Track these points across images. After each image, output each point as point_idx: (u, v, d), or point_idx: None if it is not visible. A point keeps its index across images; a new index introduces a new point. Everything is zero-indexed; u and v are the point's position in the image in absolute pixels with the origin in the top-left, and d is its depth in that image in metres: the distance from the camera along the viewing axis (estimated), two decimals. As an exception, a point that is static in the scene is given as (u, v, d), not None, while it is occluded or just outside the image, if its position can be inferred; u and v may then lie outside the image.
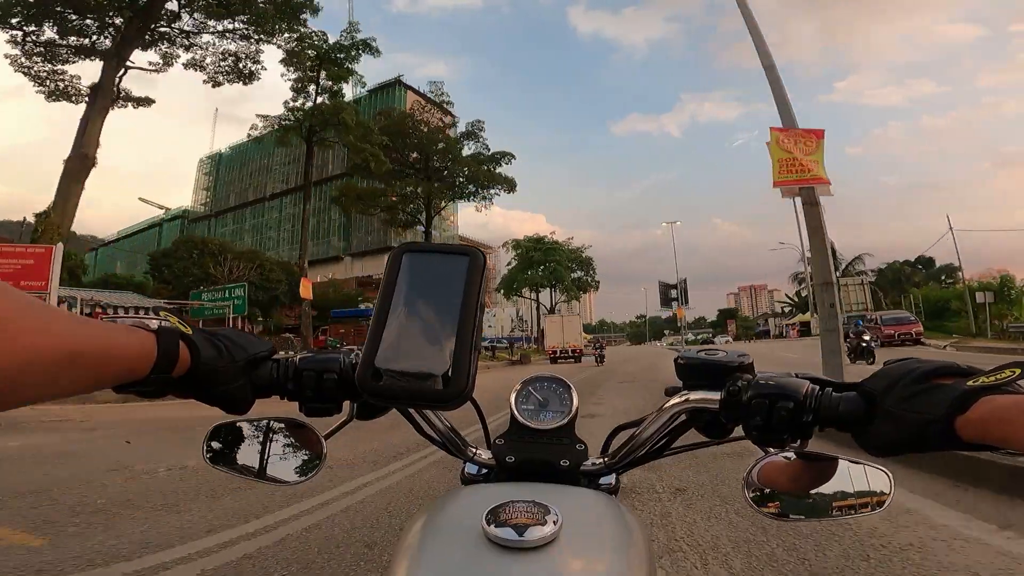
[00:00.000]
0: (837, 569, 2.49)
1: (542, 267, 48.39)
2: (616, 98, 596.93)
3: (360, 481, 4.28)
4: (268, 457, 0.71)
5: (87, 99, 18.91)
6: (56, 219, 15.58)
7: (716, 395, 0.64)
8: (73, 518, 3.38)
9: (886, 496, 0.58)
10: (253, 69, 23.65)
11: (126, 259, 64.43)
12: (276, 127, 25.57)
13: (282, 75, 24.82)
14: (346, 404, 0.69)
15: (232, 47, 23.37)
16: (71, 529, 3.18)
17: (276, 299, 33.45)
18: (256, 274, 32.36)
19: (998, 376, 0.46)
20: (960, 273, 57.49)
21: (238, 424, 0.71)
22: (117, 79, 20.16)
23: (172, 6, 21.21)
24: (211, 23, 22.44)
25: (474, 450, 0.80)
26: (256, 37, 23.34)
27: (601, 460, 0.76)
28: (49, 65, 20.33)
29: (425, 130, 32.78)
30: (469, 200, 35.52)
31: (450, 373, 0.54)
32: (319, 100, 24.94)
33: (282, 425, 0.72)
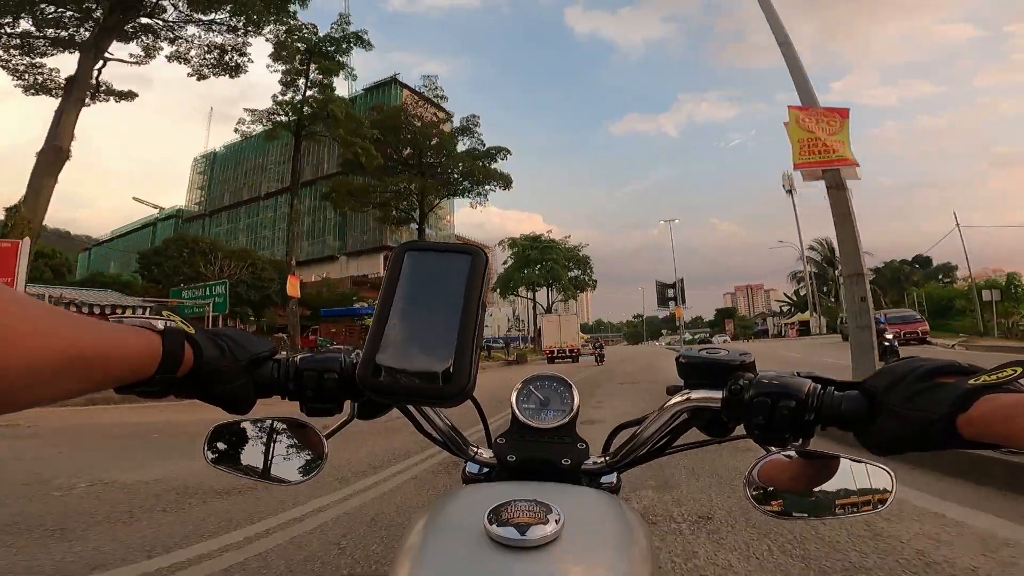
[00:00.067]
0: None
1: (539, 266, 47.88)
2: (613, 98, 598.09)
3: (317, 504, 3.58)
4: (269, 457, 0.70)
5: (63, 91, 18.21)
6: (27, 213, 14.87)
7: (718, 394, 0.63)
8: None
9: (888, 494, 0.58)
10: (240, 62, 22.89)
11: (119, 259, 64.21)
12: (264, 122, 24.80)
13: (268, 66, 24.12)
14: (347, 404, 0.68)
15: (218, 39, 22.69)
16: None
17: (268, 298, 33.03)
18: (248, 273, 32.00)
19: (1000, 375, 0.46)
20: (957, 272, 58.11)
21: (239, 424, 0.70)
22: (96, 71, 19.49)
23: (156, -4, 20.50)
24: (196, 15, 21.74)
25: (475, 449, 0.80)
26: (244, 29, 22.66)
27: (602, 459, 0.75)
28: (27, 58, 19.67)
29: (419, 125, 32.07)
30: (464, 196, 34.86)
31: (451, 371, 0.54)
32: (308, 94, 24.25)
33: (283, 425, 0.71)
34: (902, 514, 3.07)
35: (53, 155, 16.06)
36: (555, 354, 32.35)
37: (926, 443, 0.48)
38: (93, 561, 2.64)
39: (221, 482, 4.11)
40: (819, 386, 0.58)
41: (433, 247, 0.62)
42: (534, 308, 54.34)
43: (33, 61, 19.75)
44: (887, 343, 11.41)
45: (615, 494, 0.72)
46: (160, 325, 0.54)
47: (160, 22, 21.52)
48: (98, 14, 19.27)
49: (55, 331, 0.40)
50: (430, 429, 0.78)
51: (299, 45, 24.31)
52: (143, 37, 21.33)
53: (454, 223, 65.12)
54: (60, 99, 17.78)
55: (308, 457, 0.71)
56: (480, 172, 32.54)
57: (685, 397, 0.68)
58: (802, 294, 62.12)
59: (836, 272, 57.34)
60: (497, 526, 0.48)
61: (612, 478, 0.75)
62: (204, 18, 21.96)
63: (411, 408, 0.74)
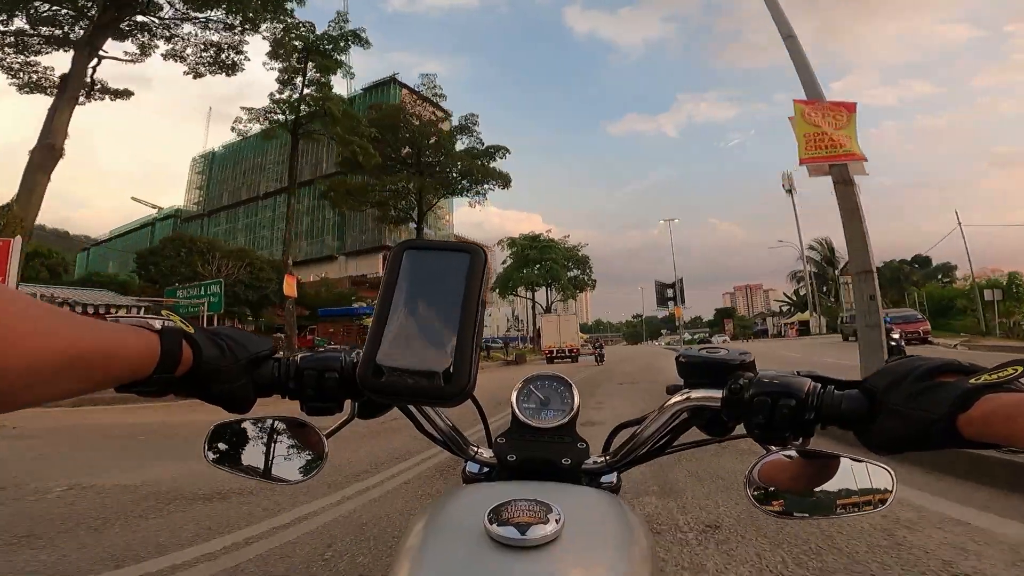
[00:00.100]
0: None
1: (538, 265, 47.56)
2: (613, 98, 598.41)
3: (305, 510, 3.40)
4: (270, 456, 0.69)
5: (57, 89, 18.02)
6: (19, 212, 14.67)
7: (718, 393, 0.63)
8: None
9: (889, 494, 0.57)
10: (236, 60, 22.63)
11: (118, 259, 64.08)
12: (261, 120, 24.57)
13: (264, 64, 23.86)
14: (347, 403, 0.68)
15: (215, 37, 22.46)
16: None
17: (266, 298, 32.89)
18: (246, 273, 31.87)
19: (1000, 374, 0.46)
20: (956, 272, 58.08)
21: (239, 424, 0.70)
22: (91, 69, 19.24)
23: (151, -6, 20.30)
24: (192, 13, 21.53)
25: (475, 449, 0.80)
26: (240, 27, 22.45)
27: (603, 459, 0.75)
28: (22, 56, 19.44)
29: (417, 123, 31.85)
30: (463, 196, 34.58)
31: (451, 370, 0.54)
32: (306, 92, 24.05)
33: (283, 424, 0.71)
34: (921, 520, 2.91)
35: (46, 153, 15.85)
36: (554, 354, 32.19)
37: (927, 442, 0.48)
38: (56, 570, 2.51)
39: (206, 486, 3.96)
40: (819, 385, 0.58)
41: (432, 246, 0.62)
42: (533, 308, 54.10)
43: (28, 59, 19.50)
44: (893, 342, 11.26)
45: (615, 494, 0.72)
46: (158, 325, 0.54)
47: (156, 20, 21.32)
48: (92, 12, 19.06)
49: (54, 331, 0.40)
50: (430, 429, 0.77)
51: (296, 43, 24.07)
52: (138, 35, 21.12)
53: (453, 223, 64.99)
54: (54, 97, 17.55)
55: (308, 457, 0.70)
56: (479, 171, 32.32)
57: (685, 396, 0.68)
58: (802, 294, 61.93)
59: (836, 272, 57.37)
60: (497, 526, 0.47)
61: (612, 478, 0.74)
62: (200, 16, 21.77)
63: (411, 408, 0.73)
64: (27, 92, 19.72)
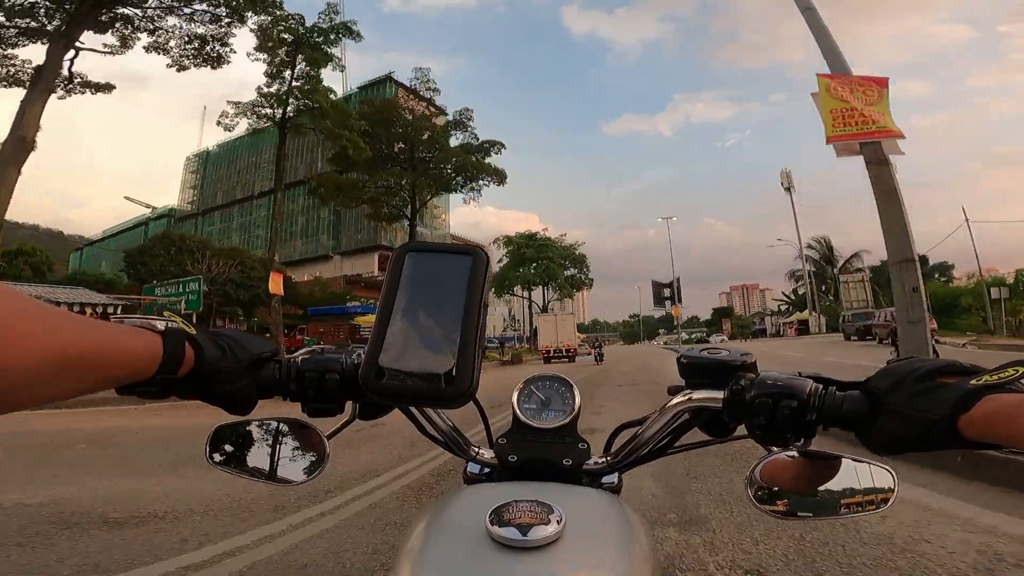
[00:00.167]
0: None
1: (534, 264, 46.95)
2: (610, 98, 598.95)
3: (232, 544, 2.80)
4: (271, 458, 0.70)
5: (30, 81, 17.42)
6: (-12, 206, 13.98)
7: (719, 394, 0.64)
8: None
9: (890, 494, 0.58)
10: (222, 52, 21.97)
11: (111, 258, 63.64)
12: (248, 115, 23.89)
13: (248, 54, 23.21)
14: (348, 404, 0.69)
15: (200, 30, 21.81)
16: None
17: (258, 297, 32.27)
18: (237, 271, 31.29)
19: (1001, 375, 0.46)
20: (953, 271, 57.98)
21: (240, 425, 0.70)
22: (68, 62, 18.66)
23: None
24: (177, 5, 20.88)
25: (476, 450, 0.80)
26: (227, 19, 21.81)
27: (604, 459, 0.76)
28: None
29: (410, 118, 31.13)
30: (458, 192, 33.87)
31: (453, 372, 0.54)
32: (294, 85, 23.43)
33: (284, 426, 0.71)
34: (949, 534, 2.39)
35: (17, 146, 15.26)
36: (551, 354, 31.83)
37: (928, 443, 0.49)
38: None
39: (123, 508, 3.42)
40: (821, 386, 0.58)
41: (434, 248, 0.61)
42: (530, 307, 53.53)
43: (4, 52, 18.88)
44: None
45: (616, 494, 0.72)
46: (161, 325, 0.53)
47: (138, 12, 20.67)
48: (69, 4, 18.44)
49: (55, 331, 0.40)
50: (431, 430, 0.77)
51: (285, 36, 23.46)
52: (119, 27, 20.46)
53: (449, 222, 64.54)
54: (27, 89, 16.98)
55: (309, 458, 0.70)
56: (473, 167, 31.64)
57: (687, 397, 0.67)
58: (800, 293, 61.44)
59: (835, 271, 56.94)
60: (499, 526, 0.48)
61: (613, 478, 0.74)
62: (186, 9, 21.14)
63: (413, 409, 0.73)
64: (5, 86, 19.11)
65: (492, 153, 32.58)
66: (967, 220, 31.76)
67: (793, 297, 67.68)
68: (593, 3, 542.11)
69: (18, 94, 17.31)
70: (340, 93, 34.17)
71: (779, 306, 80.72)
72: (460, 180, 32.75)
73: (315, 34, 23.88)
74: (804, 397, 0.57)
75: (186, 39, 21.56)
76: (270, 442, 0.70)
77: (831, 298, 56.25)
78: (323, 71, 24.40)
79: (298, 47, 23.47)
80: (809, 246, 59.62)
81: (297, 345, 27.76)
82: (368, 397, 0.62)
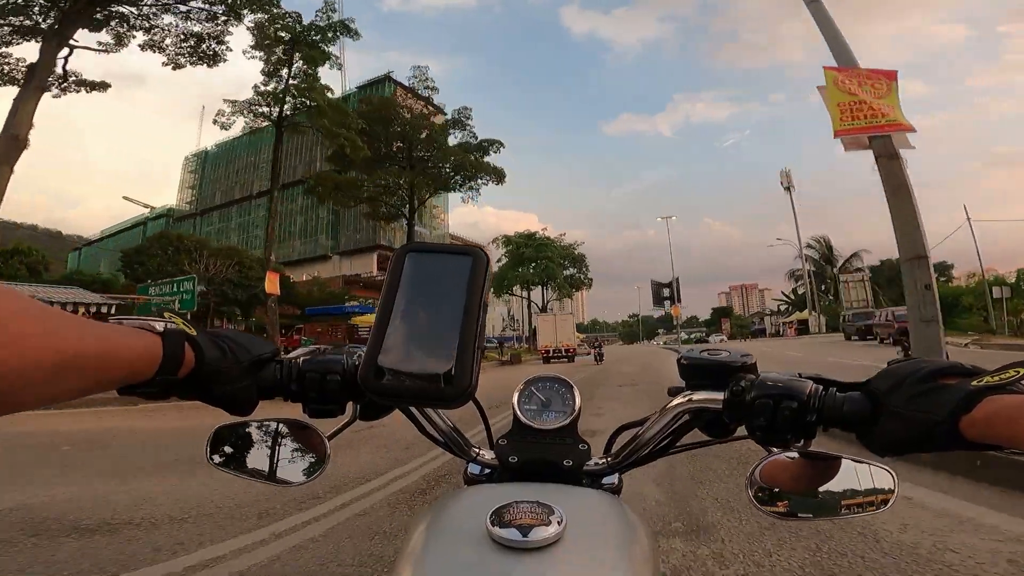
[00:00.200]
0: None
1: (533, 264, 46.74)
2: (609, 98, 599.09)
3: (201, 556, 2.63)
4: (272, 459, 0.70)
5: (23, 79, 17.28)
6: (-19, 203, 13.82)
7: (720, 395, 0.64)
8: None
9: (891, 495, 0.58)
10: (218, 50, 21.81)
11: (109, 258, 63.39)
12: (245, 113, 23.72)
13: (244, 51, 23.03)
14: (349, 405, 0.69)
15: (196, 28, 21.64)
16: None
17: (256, 297, 32.04)
18: (235, 271, 31.08)
19: (1002, 376, 0.46)
20: (952, 271, 58.04)
21: (240, 426, 0.70)
22: (62, 60, 18.50)
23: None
24: (173, 3, 20.71)
25: (477, 450, 0.80)
26: (224, 18, 21.64)
27: (604, 460, 0.76)
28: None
29: (408, 116, 30.93)
30: (456, 191, 33.67)
31: (453, 372, 0.54)
32: (291, 83, 23.26)
33: (285, 426, 0.71)
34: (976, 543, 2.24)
35: (10, 144, 15.12)
36: (551, 354, 31.59)
37: (929, 444, 0.49)
38: None
39: (96, 515, 3.29)
40: (821, 387, 0.58)
41: (434, 248, 0.61)
42: (529, 307, 53.31)
43: (-1, 51, 18.74)
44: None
45: (617, 495, 0.72)
46: (160, 326, 0.54)
47: (134, 10, 20.48)
48: (62, 3, 18.27)
49: (55, 332, 0.40)
50: (432, 430, 0.78)
51: (282, 34, 23.31)
52: (115, 25, 20.28)
53: (448, 222, 64.38)
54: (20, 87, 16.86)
55: (310, 458, 0.70)
56: (472, 165, 31.44)
57: (687, 398, 0.68)
58: (800, 293, 61.26)
59: (835, 270, 56.80)
60: (499, 527, 0.48)
61: (614, 479, 0.74)
62: (182, 7, 20.96)
63: (413, 409, 0.73)
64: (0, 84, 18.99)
65: (491, 152, 32.42)
66: (968, 219, 31.60)
67: (793, 297, 67.52)
68: (592, 3, 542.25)
69: (11, 92, 17.20)
70: (339, 93, 33.91)
71: (779, 306, 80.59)
72: (459, 179, 32.58)
73: (312, 32, 23.74)
74: (804, 398, 0.57)
75: (182, 37, 21.39)
76: (270, 443, 0.70)
77: (831, 298, 56.10)
78: (321, 70, 24.29)
79: (295, 45, 23.34)
80: (809, 246, 59.55)
81: (294, 345, 27.53)
82: (368, 397, 0.62)
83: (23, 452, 5.66)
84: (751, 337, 70.49)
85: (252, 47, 23.28)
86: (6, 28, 18.38)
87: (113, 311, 17.68)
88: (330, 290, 41.46)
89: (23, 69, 18.22)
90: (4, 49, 18.76)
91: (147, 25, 20.94)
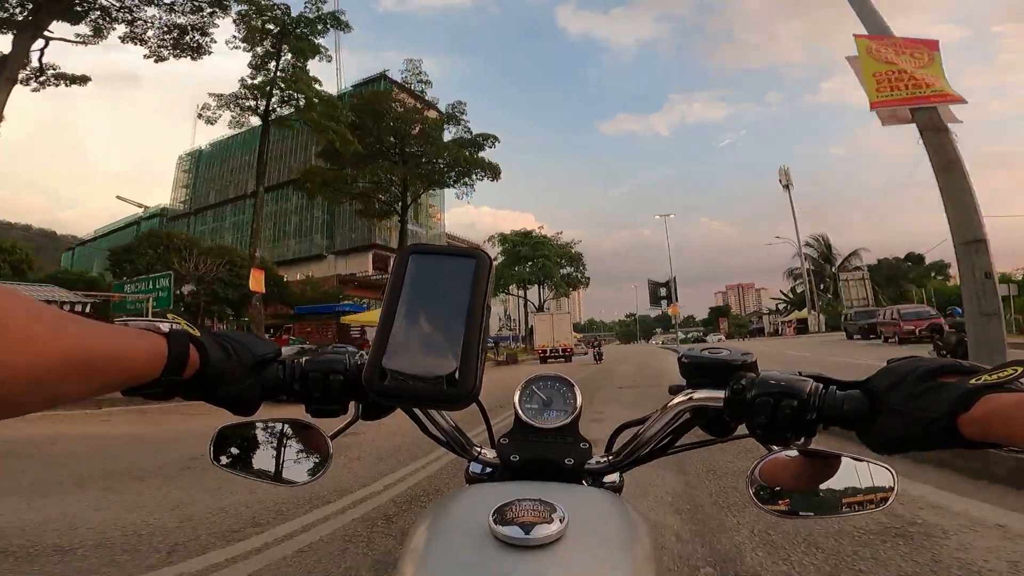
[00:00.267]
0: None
1: (530, 263, 46.18)
2: (606, 98, 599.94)
3: None
4: (275, 458, 0.70)
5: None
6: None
7: (720, 393, 0.64)
8: None
9: (890, 493, 0.58)
10: (201, 42, 21.18)
11: (102, 257, 62.69)
12: (232, 107, 23.02)
13: (227, 42, 22.38)
14: (352, 405, 0.69)
15: (181, 20, 20.99)
16: None
17: (248, 296, 31.30)
18: (225, 270, 30.44)
19: (1000, 374, 0.46)
20: (950, 270, 57.92)
21: (244, 426, 0.70)
22: (37, 52, 17.99)
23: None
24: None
25: (479, 449, 0.80)
26: (209, 10, 20.98)
27: (605, 458, 0.76)
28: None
29: (401, 110, 30.22)
30: (451, 187, 32.97)
31: (457, 374, 0.54)
32: (279, 75, 22.60)
33: (288, 427, 0.71)
34: None
35: (-22, 134, 14.39)
36: (548, 354, 31.02)
37: (927, 442, 0.49)
38: None
39: (27, 537, 2.60)
40: (821, 386, 0.58)
41: (438, 250, 0.61)
42: (525, 306, 52.72)
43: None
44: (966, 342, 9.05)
45: (618, 493, 0.73)
46: (165, 328, 0.54)
47: (115, 2, 19.82)
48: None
49: (62, 333, 0.40)
50: (434, 430, 0.78)
51: (270, 26, 22.65)
52: (96, 17, 19.62)
53: (445, 222, 63.88)
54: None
55: (313, 458, 0.70)
56: (466, 161, 30.75)
57: (688, 397, 0.68)
58: (799, 291, 60.72)
59: (833, 269, 56.31)
60: (502, 525, 0.48)
61: (615, 477, 0.75)
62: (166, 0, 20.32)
63: (415, 410, 0.73)
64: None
65: (486, 147, 31.75)
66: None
67: (791, 296, 67.01)
68: (588, 3, 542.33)
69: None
70: (335, 92, 33.08)
71: (777, 305, 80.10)
72: (453, 175, 31.89)
73: (301, 24, 23.10)
74: (805, 396, 0.57)
75: (164, 29, 20.76)
76: (274, 443, 0.69)
77: (829, 296, 55.60)
78: (313, 64, 23.67)
79: (283, 37, 22.66)
80: (807, 244, 59.03)
81: (282, 345, 26.74)
82: (371, 398, 0.61)
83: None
84: (749, 336, 69.94)
85: (239, 39, 22.63)
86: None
87: (88, 309, 17.00)
88: (324, 290, 40.80)
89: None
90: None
91: (129, 17, 20.32)
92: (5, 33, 17.79)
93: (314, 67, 23.42)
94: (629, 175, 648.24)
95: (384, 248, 51.13)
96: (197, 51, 21.01)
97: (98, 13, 19.58)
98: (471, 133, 31.71)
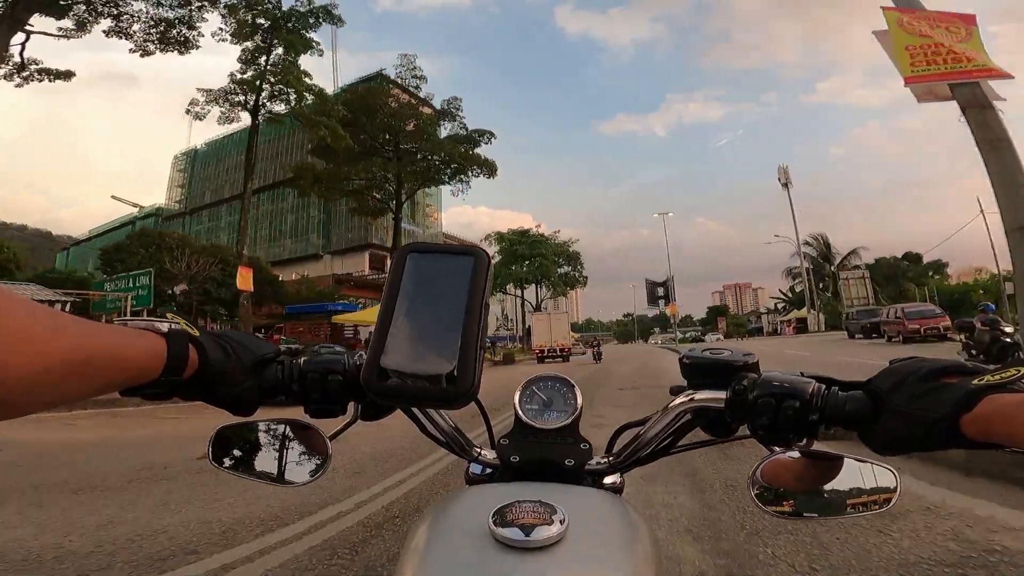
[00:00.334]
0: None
1: (527, 262, 45.83)
2: (605, 98, 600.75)
3: None
4: (274, 459, 0.70)
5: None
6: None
7: (722, 394, 0.64)
8: None
9: (893, 494, 0.58)
10: (188, 36, 20.71)
11: (95, 257, 62.18)
12: (220, 102, 22.53)
13: (214, 35, 21.88)
14: (351, 405, 0.69)
15: (169, 15, 20.50)
16: None
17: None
18: (218, 270, 30.05)
19: (1003, 375, 0.46)
20: (948, 269, 57.68)
21: (243, 426, 0.70)
22: (19, 46, 17.59)
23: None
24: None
25: (479, 450, 0.80)
26: (198, 4, 20.52)
27: (605, 459, 0.76)
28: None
29: (395, 106, 29.74)
30: (446, 184, 32.46)
31: (455, 373, 0.54)
32: (268, 69, 22.14)
33: (287, 427, 0.71)
34: None
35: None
36: (545, 354, 30.71)
37: (930, 443, 0.49)
38: None
39: None
40: (823, 386, 0.58)
41: (436, 249, 0.61)
42: (522, 306, 52.41)
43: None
44: (1005, 340, 8.56)
45: (619, 494, 0.72)
46: (165, 328, 0.54)
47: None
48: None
49: (62, 334, 0.40)
50: (433, 430, 0.77)
51: (260, 20, 22.17)
52: (79, 10, 19.13)
53: (442, 221, 63.50)
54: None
55: (312, 459, 0.70)
56: (461, 157, 30.27)
57: (689, 397, 0.67)
58: (798, 290, 60.42)
59: (832, 268, 56.02)
60: (502, 527, 0.48)
61: (615, 478, 0.75)
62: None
63: (414, 410, 0.73)
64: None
65: (482, 143, 31.30)
66: (982, 212, 30.58)
67: (790, 295, 66.72)
68: (586, 3, 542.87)
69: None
70: (330, 91, 32.56)
71: (776, 304, 79.82)
72: (448, 172, 31.42)
73: (292, 18, 22.64)
74: (807, 397, 0.56)
75: (151, 23, 20.28)
76: (273, 443, 0.69)
77: (829, 295, 55.33)
78: (308, 64, 23.20)
79: (274, 32, 22.20)
80: (806, 243, 58.78)
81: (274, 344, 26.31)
82: (370, 398, 0.60)
83: None
84: (748, 336, 69.64)
85: (228, 32, 22.15)
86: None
87: (68, 308, 16.58)
88: (320, 289, 40.44)
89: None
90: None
91: (115, 12, 19.84)
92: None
93: (310, 67, 23.01)
94: (628, 175, 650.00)
95: (380, 248, 50.72)
96: (184, 45, 20.57)
97: (83, 8, 19.12)
98: (467, 129, 31.25)
